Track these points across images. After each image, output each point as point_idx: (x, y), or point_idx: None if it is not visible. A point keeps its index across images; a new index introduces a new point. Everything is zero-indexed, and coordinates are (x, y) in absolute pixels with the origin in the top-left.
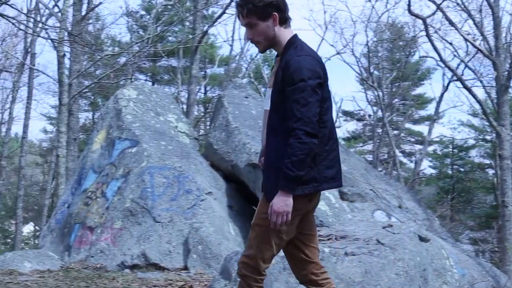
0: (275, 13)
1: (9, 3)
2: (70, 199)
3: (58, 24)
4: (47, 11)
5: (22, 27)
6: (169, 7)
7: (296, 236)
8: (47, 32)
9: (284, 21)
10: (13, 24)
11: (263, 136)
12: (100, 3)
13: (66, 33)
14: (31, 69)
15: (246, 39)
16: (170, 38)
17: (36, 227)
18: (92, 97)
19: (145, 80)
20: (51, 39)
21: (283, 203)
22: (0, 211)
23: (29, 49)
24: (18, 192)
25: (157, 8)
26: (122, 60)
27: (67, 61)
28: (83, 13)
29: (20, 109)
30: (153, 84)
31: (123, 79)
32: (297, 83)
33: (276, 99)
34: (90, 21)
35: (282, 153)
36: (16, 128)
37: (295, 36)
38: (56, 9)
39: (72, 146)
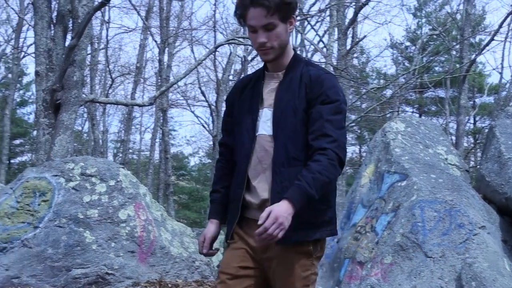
0: (293, 16)
1: None
2: (340, 234)
3: (323, 59)
4: (312, 47)
5: None
6: (435, 37)
7: None
8: None
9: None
10: None
11: (255, 168)
12: (365, 36)
13: (331, 68)
14: None
15: (257, 43)
16: (436, 68)
17: None
18: (359, 131)
19: (412, 112)
20: None
21: (286, 213)
22: None
23: None
24: None
25: (422, 39)
26: (388, 92)
27: None
28: (348, 47)
29: None
30: (420, 115)
31: (390, 111)
32: (334, 102)
33: (294, 120)
34: (355, 54)
35: None
36: None
37: (296, 51)
38: (321, 45)
39: (340, 181)
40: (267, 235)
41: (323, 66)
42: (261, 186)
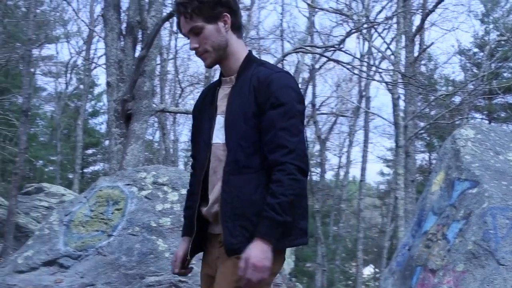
0: (227, 14)
1: (343, 49)
2: (411, 242)
3: (391, 67)
4: (379, 54)
5: (356, 71)
6: (503, 42)
7: None
8: (380, 75)
9: (237, 27)
10: (347, 69)
11: (210, 179)
12: (432, 43)
13: (399, 75)
14: (367, 112)
15: (191, 50)
16: (505, 74)
17: (376, 269)
18: (428, 138)
19: (481, 118)
20: (385, 82)
21: (264, 255)
22: (341, 253)
23: (364, 93)
24: (358, 235)
25: (490, 45)
26: (457, 99)
27: (401, 103)
28: (416, 54)
29: (357, 152)
30: (489, 122)
31: (459, 118)
32: (284, 105)
33: (244, 126)
34: (423, 61)
35: (256, 196)
36: (354, 171)
37: (251, 51)
38: (388, 52)
39: (410, 188)
40: (251, 286)
41: (391, 73)
42: (213, 198)
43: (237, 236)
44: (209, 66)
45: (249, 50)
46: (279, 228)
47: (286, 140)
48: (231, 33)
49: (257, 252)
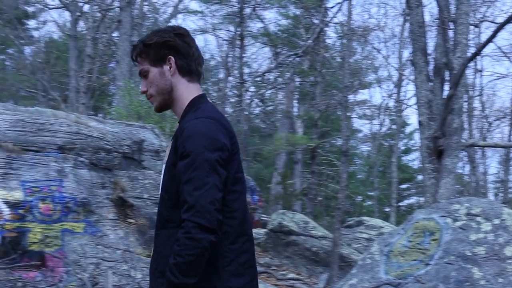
0: (171, 57)
1: None
2: None
3: None
4: None
5: None
6: None
7: None
8: None
9: (187, 71)
10: None
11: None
12: None
13: None
14: None
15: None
16: None
17: None
18: None
19: None
20: None
21: None
22: None
23: None
24: None
25: None
26: None
27: None
28: None
29: None
30: None
31: None
32: (190, 155)
33: (165, 178)
34: None
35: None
36: None
37: (203, 96)
38: None
39: None
40: None
41: None
42: (151, 252)
43: None
44: (156, 110)
45: (198, 95)
46: None
47: (188, 195)
48: (178, 76)
49: None
